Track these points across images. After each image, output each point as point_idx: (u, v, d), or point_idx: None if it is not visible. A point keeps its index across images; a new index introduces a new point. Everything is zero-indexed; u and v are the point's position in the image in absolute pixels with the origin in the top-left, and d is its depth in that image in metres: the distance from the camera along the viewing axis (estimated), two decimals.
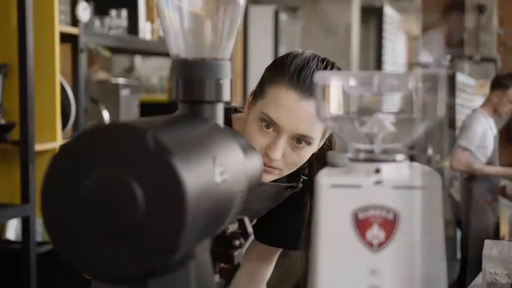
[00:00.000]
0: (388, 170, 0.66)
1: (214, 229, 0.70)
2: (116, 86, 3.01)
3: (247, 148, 0.81)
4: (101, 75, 4.17)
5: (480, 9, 9.30)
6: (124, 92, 3.02)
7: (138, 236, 0.59)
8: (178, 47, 0.80)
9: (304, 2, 5.68)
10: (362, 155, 0.68)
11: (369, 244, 0.66)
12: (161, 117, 0.74)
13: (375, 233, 0.65)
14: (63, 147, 0.61)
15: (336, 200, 0.66)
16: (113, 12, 2.97)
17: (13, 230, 2.58)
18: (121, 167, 0.59)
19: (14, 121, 2.33)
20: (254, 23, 4.97)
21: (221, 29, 0.80)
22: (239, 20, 0.81)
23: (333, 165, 0.75)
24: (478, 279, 2.07)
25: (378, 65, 7.47)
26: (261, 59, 5.22)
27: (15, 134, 2.33)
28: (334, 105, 0.68)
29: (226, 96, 0.79)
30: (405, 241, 0.65)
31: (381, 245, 0.65)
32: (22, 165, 2.27)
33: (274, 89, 1.21)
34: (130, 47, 3.14)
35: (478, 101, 8.43)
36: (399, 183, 0.65)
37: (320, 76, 0.68)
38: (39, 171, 2.30)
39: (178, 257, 0.60)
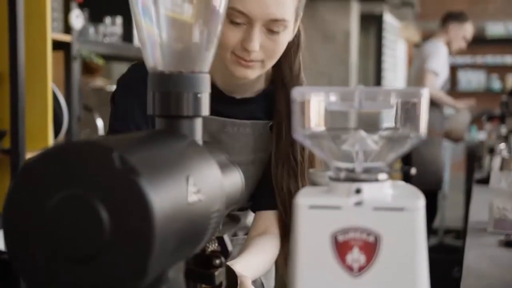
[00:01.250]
0: (370, 190, 0.64)
1: (188, 250, 0.67)
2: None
3: (227, 165, 0.78)
4: (99, 82, 4.15)
5: None
6: None
7: (103, 260, 0.56)
8: (155, 59, 0.77)
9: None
10: (342, 174, 0.65)
11: (349, 268, 0.63)
12: (135, 133, 0.71)
13: (356, 256, 0.62)
14: (27, 164, 0.58)
15: (314, 221, 0.63)
16: (108, 20, 2.94)
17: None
18: (86, 187, 0.56)
19: (5, 129, 2.30)
20: None
21: (199, 40, 0.77)
22: (219, 31, 0.78)
23: (314, 184, 0.72)
24: (482, 216, 1.91)
25: (378, 72, 7.44)
26: None
27: (5, 143, 2.30)
28: (314, 121, 0.66)
29: (205, 110, 0.76)
30: (387, 265, 0.62)
31: (361, 269, 0.62)
32: (12, 174, 2.24)
33: None
34: (124, 54, 3.11)
35: (402, 43, 8.50)
36: (381, 204, 0.62)
37: (298, 92, 0.65)
38: None
39: (147, 282, 0.57)
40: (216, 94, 1.34)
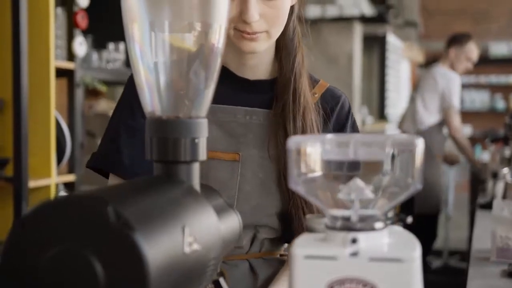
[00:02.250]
0: (366, 240, 0.63)
1: None
2: None
3: (223, 209, 0.78)
4: (102, 104, 4.16)
5: None
6: None
7: None
8: (153, 104, 0.77)
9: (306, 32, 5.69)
10: (338, 223, 0.65)
11: None
12: (130, 182, 0.72)
13: None
14: (22, 220, 0.58)
15: (310, 272, 0.63)
16: (111, 46, 2.96)
17: None
18: (82, 242, 0.56)
19: (7, 157, 2.31)
20: None
21: (197, 84, 0.78)
22: (215, 76, 0.78)
23: (311, 230, 0.72)
24: (484, 243, 1.88)
25: (381, 93, 7.45)
26: None
27: (8, 170, 2.31)
28: (309, 170, 0.66)
29: (203, 155, 0.76)
30: None
31: None
32: (15, 202, 2.25)
33: None
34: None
35: (405, 63, 8.53)
36: (377, 254, 0.62)
37: (293, 141, 0.65)
38: None
39: None
40: (228, 76, 1.27)
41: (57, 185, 2.45)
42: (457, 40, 4.37)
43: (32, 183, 2.33)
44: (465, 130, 10.22)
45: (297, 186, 0.66)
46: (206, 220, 0.69)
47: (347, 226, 0.65)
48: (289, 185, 0.66)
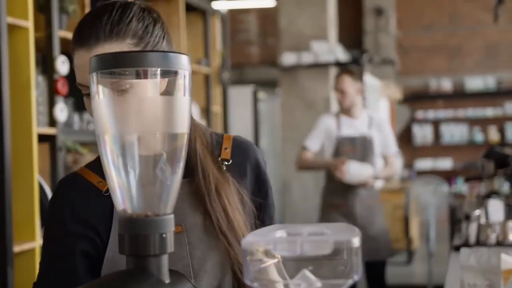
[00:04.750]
0: None
1: None
2: None
3: None
4: (88, 158, 4.22)
5: (378, 11, 9.56)
6: None
7: None
8: (124, 203, 0.86)
9: (283, 78, 5.84)
10: None
11: None
12: (102, 278, 0.80)
13: None
14: None
15: None
16: None
17: None
18: None
19: None
20: (234, 103, 5.10)
21: (164, 182, 0.87)
22: (180, 173, 0.87)
23: None
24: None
25: None
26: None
27: None
28: (261, 267, 0.74)
29: (170, 247, 0.85)
30: None
31: None
32: (0, 267, 2.30)
33: (74, 56, 1.19)
34: None
35: (384, 101, 8.65)
36: None
37: (246, 242, 0.74)
38: (18, 273, 2.34)
39: None
40: None
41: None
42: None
43: (16, 248, 2.39)
44: (446, 164, 10.39)
45: (253, 283, 0.74)
46: None
47: None
48: (244, 280, 0.75)
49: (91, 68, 0.86)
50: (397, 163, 4.01)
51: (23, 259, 2.45)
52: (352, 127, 3.97)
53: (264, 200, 1.33)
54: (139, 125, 0.86)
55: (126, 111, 0.86)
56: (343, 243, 0.73)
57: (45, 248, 1.25)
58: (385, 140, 3.98)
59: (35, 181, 2.46)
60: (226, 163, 1.27)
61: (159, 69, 0.84)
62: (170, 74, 0.86)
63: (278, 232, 0.77)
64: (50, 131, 2.66)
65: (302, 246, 0.73)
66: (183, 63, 0.86)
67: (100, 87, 0.86)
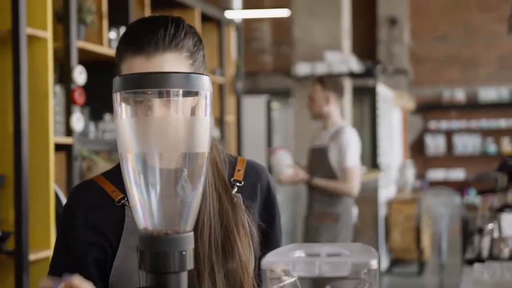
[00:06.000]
0: None
1: None
2: None
3: None
4: (102, 165, 4.25)
5: (392, 21, 9.55)
6: None
7: None
8: (145, 220, 0.88)
9: (296, 88, 5.86)
10: None
11: None
12: None
13: None
14: None
15: None
16: (107, 116, 3.09)
17: None
18: None
19: (9, 231, 2.40)
20: (247, 112, 5.12)
21: (184, 202, 0.89)
22: (198, 197, 0.89)
23: None
24: None
25: (373, 142, 7.56)
26: (255, 147, 5.35)
27: (10, 244, 2.40)
28: (280, 285, 0.76)
29: (190, 265, 0.87)
30: None
31: None
32: (16, 275, 2.33)
33: (125, 64, 1.18)
34: None
35: (397, 111, 8.61)
36: None
37: (266, 262, 0.76)
38: (33, 281, 2.36)
39: None
40: None
41: None
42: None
43: (32, 256, 2.42)
44: (458, 174, 10.35)
45: None
46: None
47: None
48: None
49: (114, 88, 0.89)
50: (353, 178, 3.83)
51: (39, 267, 2.48)
52: (320, 139, 3.98)
53: (271, 226, 1.32)
54: (161, 144, 0.88)
55: (148, 130, 0.88)
56: (361, 265, 0.74)
57: (56, 250, 1.28)
58: (340, 152, 3.86)
59: (51, 190, 2.49)
60: (238, 184, 1.28)
61: (181, 90, 0.86)
62: (192, 94, 0.88)
63: (296, 252, 0.78)
64: (67, 140, 2.69)
65: (320, 267, 0.75)
66: (205, 84, 0.88)
67: (123, 107, 0.88)
